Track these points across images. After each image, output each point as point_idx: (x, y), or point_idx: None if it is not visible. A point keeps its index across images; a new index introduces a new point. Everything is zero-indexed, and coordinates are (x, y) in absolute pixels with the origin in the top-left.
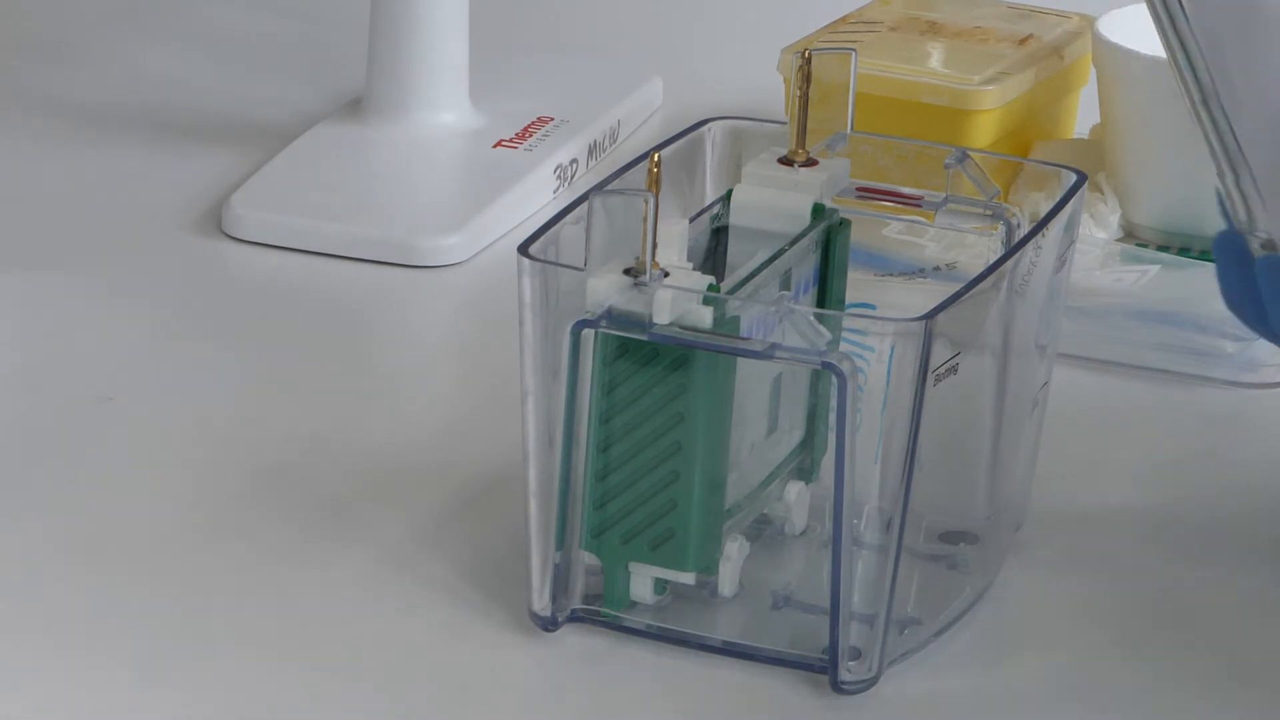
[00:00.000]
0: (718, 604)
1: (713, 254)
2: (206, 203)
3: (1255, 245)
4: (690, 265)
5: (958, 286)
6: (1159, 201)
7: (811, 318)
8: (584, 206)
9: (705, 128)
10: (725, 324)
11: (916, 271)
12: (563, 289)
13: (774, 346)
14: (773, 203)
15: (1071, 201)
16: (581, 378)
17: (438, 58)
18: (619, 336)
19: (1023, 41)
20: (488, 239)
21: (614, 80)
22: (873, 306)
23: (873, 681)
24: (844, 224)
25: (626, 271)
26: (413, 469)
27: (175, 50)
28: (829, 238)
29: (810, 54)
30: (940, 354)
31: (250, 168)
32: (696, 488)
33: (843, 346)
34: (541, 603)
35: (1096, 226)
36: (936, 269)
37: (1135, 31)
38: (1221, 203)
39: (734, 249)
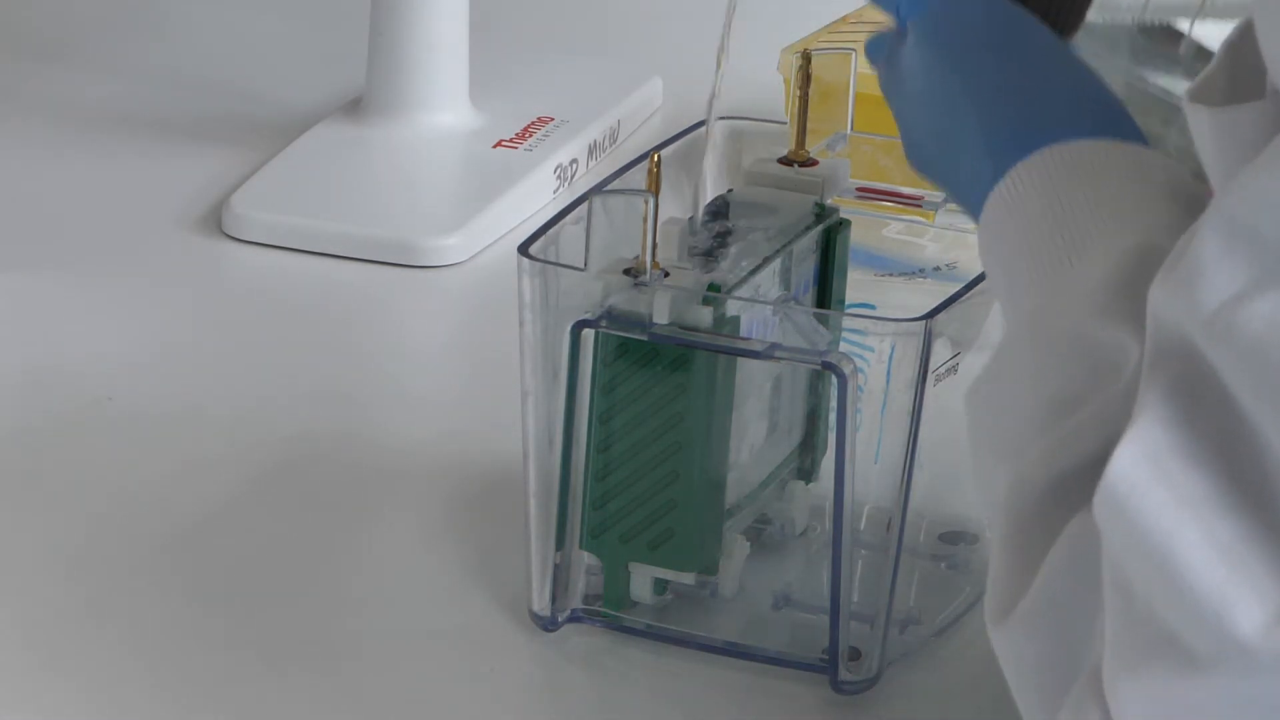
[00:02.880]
0: (718, 604)
1: (713, 254)
2: (206, 203)
3: None
4: (690, 265)
5: (958, 286)
6: None
7: (811, 318)
8: (584, 206)
9: (705, 128)
10: (725, 324)
11: (916, 271)
12: (563, 289)
13: (774, 346)
14: (773, 203)
15: None
16: (581, 378)
17: (438, 58)
18: (619, 336)
19: None
20: (488, 239)
21: (614, 80)
22: (873, 306)
23: (873, 681)
24: (844, 224)
25: (626, 271)
26: (412, 469)
27: (175, 50)
28: (829, 238)
29: (810, 54)
30: (940, 354)
31: (250, 168)
32: (696, 488)
33: (843, 346)
34: (541, 603)
35: None
36: (936, 269)
37: None
38: None
39: (734, 250)
